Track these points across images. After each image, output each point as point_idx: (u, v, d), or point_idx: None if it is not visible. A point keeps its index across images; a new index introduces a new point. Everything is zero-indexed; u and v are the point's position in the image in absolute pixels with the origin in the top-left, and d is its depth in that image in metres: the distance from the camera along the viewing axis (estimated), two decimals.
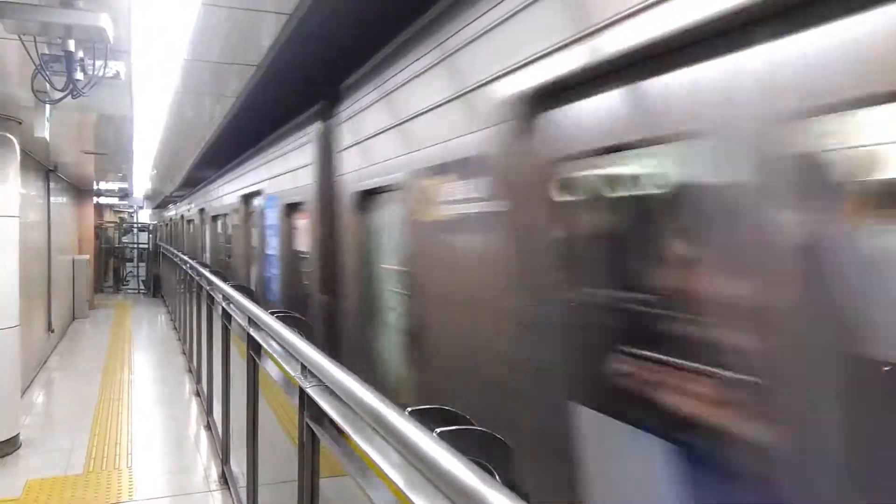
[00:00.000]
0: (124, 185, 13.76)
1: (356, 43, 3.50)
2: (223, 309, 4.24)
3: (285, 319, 2.71)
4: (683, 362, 1.58)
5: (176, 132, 6.54)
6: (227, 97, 4.76)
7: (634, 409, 1.72)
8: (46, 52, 3.05)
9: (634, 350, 1.74)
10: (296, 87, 4.52)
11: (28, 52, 2.97)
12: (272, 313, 2.78)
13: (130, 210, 22.54)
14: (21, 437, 5.27)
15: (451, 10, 2.52)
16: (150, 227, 21.23)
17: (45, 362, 8.47)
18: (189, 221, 14.27)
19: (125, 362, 8.54)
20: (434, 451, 1.09)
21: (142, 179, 12.46)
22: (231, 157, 8.47)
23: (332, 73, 3.83)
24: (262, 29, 3.17)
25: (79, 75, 3.05)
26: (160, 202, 21.52)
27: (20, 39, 2.92)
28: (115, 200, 18.13)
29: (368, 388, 1.51)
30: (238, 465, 4.15)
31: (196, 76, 4.14)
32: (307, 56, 3.81)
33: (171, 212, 19.30)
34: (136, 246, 20.26)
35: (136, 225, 21.74)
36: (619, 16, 1.61)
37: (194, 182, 12.91)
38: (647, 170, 1.73)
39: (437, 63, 2.65)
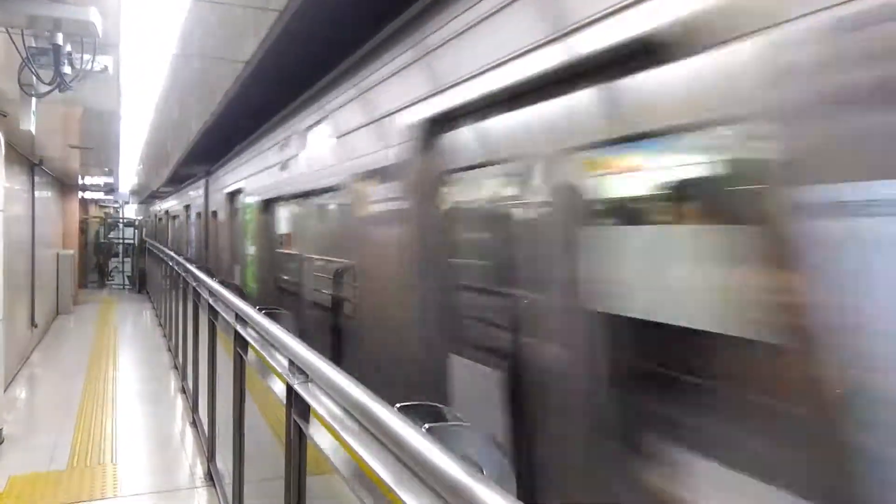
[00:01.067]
0: (110, 180, 13.65)
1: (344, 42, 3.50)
2: (209, 305, 4.22)
3: (273, 315, 2.70)
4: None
5: (163, 128, 6.50)
6: (215, 93, 4.74)
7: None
8: (34, 44, 3.03)
9: None
10: (286, 85, 4.51)
11: (15, 45, 2.95)
12: (259, 309, 2.77)
13: (116, 205, 22.35)
14: (3, 433, 5.22)
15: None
16: (136, 223, 21.06)
17: (28, 358, 8.39)
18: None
19: (110, 358, 8.47)
20: (423, 446, 1.10)
21: (128, 175, 12.37)
22: (220, 155, 8.44)
23: (322, 73, 3.83)
24: (252, 25, 3.16)
25: (66, 69, 3.03)
26: (146, 198, 21.35)
27: (7, 32, 2.90)
28: (100, 195, 17.97)
29: (357, 384, 1.51)
30: (224, 463, 4.14)
31: (185, 71, 4.12)
32: (298, 54, 3.80)
33: (157, 207, 19.17)
34: (121, 241, 20.10)
35: (121, 220, 21.56)
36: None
37: (181, 178, 12.83)
38: None
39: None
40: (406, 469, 1.22)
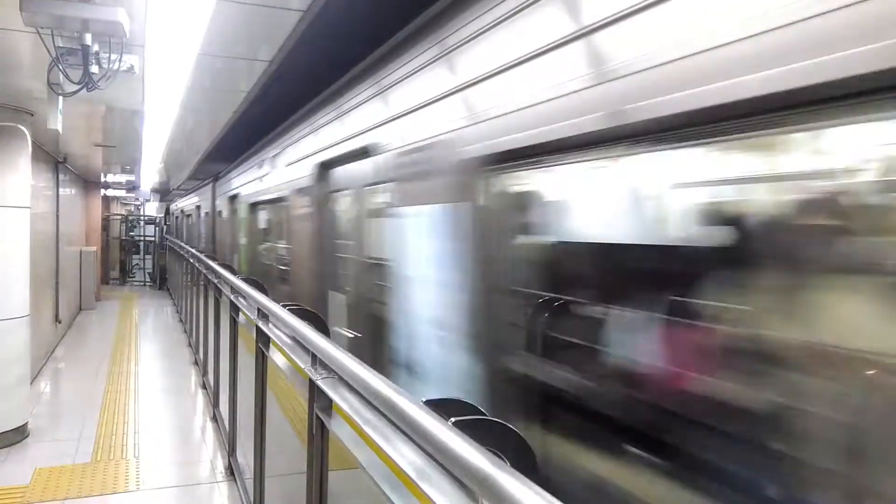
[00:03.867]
0: (132, 178, 13.82)
1: (367, 42, 3.53)
2: (231, 301, 4.27)
3: (296, 312, 2.73)
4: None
5: (185, 126, 6.58)
6: (238, 92, 4.79)
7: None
8: (62, 44, 3.08)
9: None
10: (308, 85, 4.55)
11: (45, 45, 3.00)
12: (284, 306, 2.80)
13: (137, 203, 22.63)
14: (29, 426, 5.32)
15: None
16: (157, 220, 21.31)
17: (53, 352, 8.53)
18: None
19: (132, 354, 8.59)
20: (451, 440, 1.11)
21: (149, 172, 12.52)
22: (240, 153, 8.51)
23: (344, 72, 3.86)
24: (276, 25, 3.19)
25: (94, 68, 3.08)
26: (167, 195, 21.60)
27: (37, 32, 2.95)
28: (122, 193, 18.20)
29: (383, 379, 1.53)
30: (244, 457, 4.19)
31: (208, 71, 4.17)
32: (321, 54, 3.83)
33: (177, 204, 19.41)
34: (142, 238, 20.34)
35: (142, 217, 21.83)
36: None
37: (202, 176, 12.96)
38: None
39: None
40: (432, 462, 1.24)
